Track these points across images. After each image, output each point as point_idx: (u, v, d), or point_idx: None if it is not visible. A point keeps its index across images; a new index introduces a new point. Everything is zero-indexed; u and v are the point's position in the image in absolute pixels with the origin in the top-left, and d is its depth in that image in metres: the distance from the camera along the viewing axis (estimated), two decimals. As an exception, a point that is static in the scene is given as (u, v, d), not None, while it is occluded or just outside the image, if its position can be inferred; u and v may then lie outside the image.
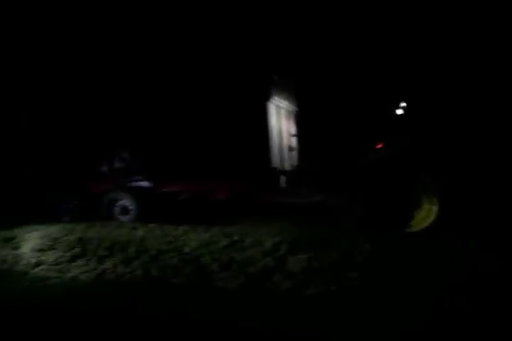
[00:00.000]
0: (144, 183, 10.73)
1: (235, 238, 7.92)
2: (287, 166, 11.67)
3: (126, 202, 10.46)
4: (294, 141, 12.53)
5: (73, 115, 11.55)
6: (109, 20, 12.68)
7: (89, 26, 12.55)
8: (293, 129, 12.64)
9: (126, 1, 13.27)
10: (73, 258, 7.37)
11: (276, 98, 11.07)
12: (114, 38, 12.37)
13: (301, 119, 13.00)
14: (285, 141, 11.82)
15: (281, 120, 11.63)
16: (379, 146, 9.38)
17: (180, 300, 5.49)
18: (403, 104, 10.00)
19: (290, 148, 12.10)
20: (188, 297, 5.60)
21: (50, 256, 7.51)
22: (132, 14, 13.19)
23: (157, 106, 10.84)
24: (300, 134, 12.75)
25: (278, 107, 11.47)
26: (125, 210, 10.45)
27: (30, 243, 8.27)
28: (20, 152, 11.83)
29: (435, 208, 8.06)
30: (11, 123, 11.98)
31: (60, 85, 11.69)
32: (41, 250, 7.83)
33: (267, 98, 10.59)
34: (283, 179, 11.02)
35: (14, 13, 12.81)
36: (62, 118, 11.69)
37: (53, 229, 9.18)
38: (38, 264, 7.29)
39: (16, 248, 8.23)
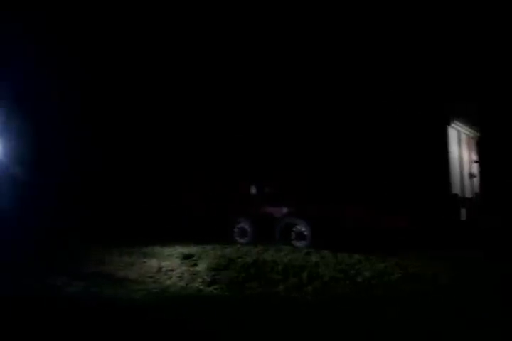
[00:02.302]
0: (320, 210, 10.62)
1: (410, 271, 7.53)
2: (468, 194, 10.91)
3: (301, 227, 10.50)
4: (475, 168, 11.72)
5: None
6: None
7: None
8: (474, 155, 11.82)
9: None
10: (246, 280, 7.53)
11: (457, 122, 10.44)
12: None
13: (484, 145, 12.17)
14: (466, 168, 11.07)
15: (461, 145, 10.93)
16: None
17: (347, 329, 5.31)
18: None
19: (471, 175, 11.31)
20: (356, 327, 5.40)
21: (225, 276, 7.75)
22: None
23: (332, 130, 10.75)
24: (482, 161, 11.93)
25: (459, 132, 10.81)
26: (300, 235, 10.48)
27: (207, 261, 8.62)
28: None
29: None
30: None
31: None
32: (216, 269, 8.12)
33: (447, 122, 10.02)
34: (463, 210, 10.32)
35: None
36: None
37: (229, 250, 9.50)
38: (212, 282, 7.56)
39: (193, 265, 8.62)
